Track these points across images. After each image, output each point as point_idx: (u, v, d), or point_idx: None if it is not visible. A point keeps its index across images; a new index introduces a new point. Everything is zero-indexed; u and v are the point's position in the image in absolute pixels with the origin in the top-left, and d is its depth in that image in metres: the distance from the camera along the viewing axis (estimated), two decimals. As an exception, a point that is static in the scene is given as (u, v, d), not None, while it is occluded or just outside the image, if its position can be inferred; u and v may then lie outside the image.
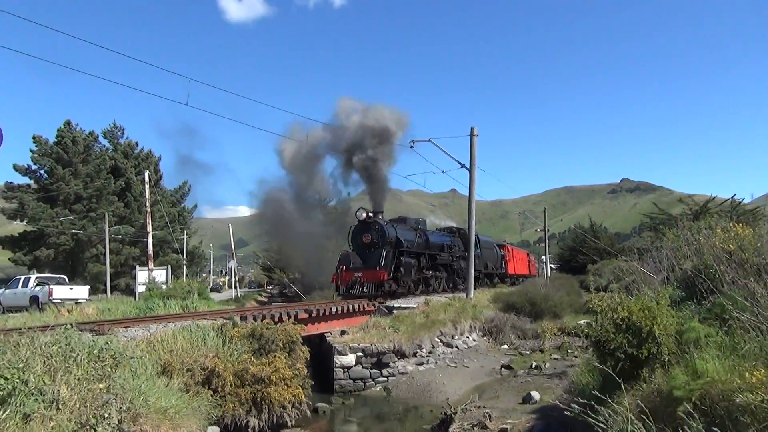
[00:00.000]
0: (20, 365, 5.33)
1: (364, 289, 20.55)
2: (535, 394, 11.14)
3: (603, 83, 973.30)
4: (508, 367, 16.72)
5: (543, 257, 55.79)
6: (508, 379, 15.11)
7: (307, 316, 14.92)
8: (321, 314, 15.83)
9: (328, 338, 15.81)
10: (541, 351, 18.87)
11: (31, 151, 43.68)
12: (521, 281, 41.66)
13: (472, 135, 24.47)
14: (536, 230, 68.80)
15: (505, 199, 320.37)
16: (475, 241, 28.56)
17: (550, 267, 56.72)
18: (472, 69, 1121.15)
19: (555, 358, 17.56)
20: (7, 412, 4.84)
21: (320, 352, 15.29)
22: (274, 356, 10.30)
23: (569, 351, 18.31)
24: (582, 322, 20.82)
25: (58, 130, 44.97)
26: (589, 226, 58.93)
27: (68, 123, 45.54)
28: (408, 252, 22.87)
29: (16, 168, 43.46)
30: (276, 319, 12.96)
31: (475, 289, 25.48)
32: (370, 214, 22.50)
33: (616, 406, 5.11)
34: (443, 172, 26.74)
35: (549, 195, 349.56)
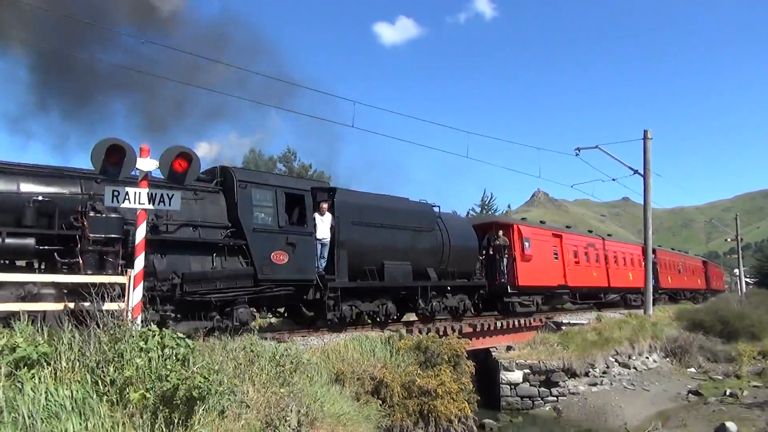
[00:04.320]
0: (216, 367, 5.99)
1: None
2: (731, 426, 10.02)
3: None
4: (696, 392, 15.17)
5: (736, 270, 49.90)
6: (697, 407, 13.81)
7: (471, 330, 14.86)
8: (485, 329, 15.66)
9: (493, 353, 15.59)
10: (737, 377, 16.84)
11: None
12: (624, 297, 26.29)
13: (645, 138, 22.77)
14: (726, 240, 61.52)
15: (687, 206, 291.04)
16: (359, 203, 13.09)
17: (746, 281, 50.54)
18: (646, 68, 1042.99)
19: (755, 386, 15.59)
20: (205, 407, 5.45)
21: (486, 368, 15.09)
22: (440, 369, 10.40)
23: (773, 378, 16.17)
24: (789, 345, 18.40)
25: (244, 156, 50.13)
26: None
27: (252, 150, 50.57)
28: None
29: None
30: (441, 333, 13.08)
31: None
32: None
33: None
34: (613, 179, 24.94)
35: (741, 200, 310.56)
